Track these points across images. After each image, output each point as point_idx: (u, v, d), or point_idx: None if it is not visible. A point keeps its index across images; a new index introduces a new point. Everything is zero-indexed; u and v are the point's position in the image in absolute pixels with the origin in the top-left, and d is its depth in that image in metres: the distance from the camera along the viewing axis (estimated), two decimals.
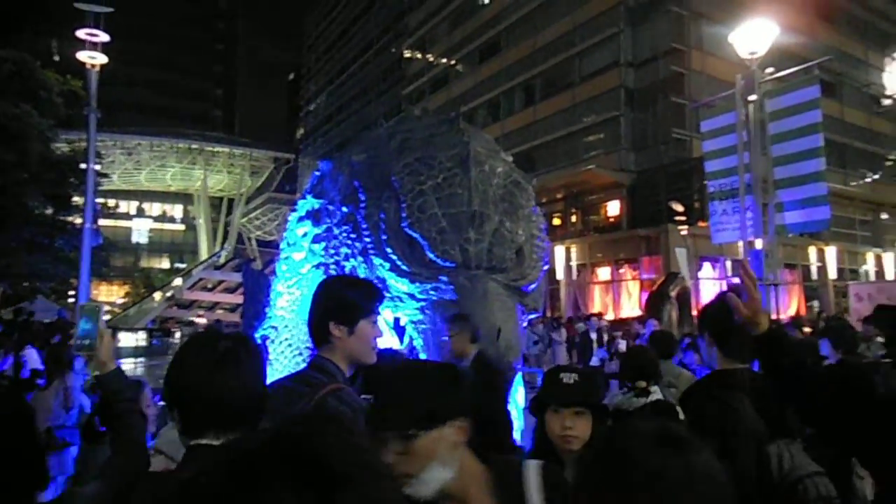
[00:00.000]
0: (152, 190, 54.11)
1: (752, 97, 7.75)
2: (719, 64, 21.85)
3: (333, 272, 4.29)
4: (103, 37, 12.90)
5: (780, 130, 7.71)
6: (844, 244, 25.90)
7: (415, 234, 3.75)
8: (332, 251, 4.29)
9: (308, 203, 4.81)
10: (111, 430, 1.86)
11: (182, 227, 60.85)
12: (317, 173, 4.98)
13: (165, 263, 58.49)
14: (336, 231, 4.27)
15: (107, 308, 36.99)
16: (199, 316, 23.82)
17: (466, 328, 3.34)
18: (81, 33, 12.82)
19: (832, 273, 24.48)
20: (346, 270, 4.15)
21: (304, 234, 4.74)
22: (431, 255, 3.70)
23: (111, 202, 43.04)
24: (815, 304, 23.76)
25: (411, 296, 3.81)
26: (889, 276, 27.25)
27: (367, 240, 3.92)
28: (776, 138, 7.78)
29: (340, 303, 1.79)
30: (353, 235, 4.07)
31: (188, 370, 1.31)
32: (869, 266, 27.83)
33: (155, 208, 60.78)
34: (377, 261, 3.84)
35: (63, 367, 4.91)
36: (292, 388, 1.75)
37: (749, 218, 7.89)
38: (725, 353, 1.95)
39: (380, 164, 4.29)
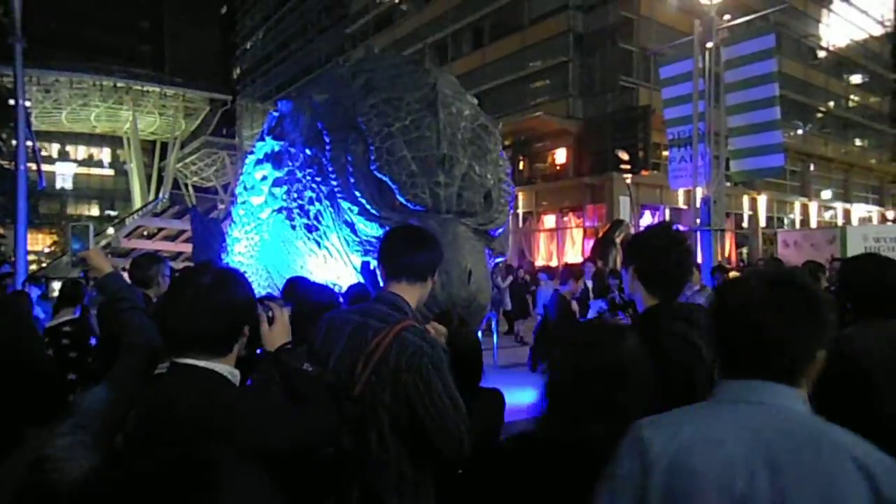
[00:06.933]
0: (75, 132, 50.50)
1: (710, 44, 7.82)
2: (669, 11, 21.96)
3: (297, 216, 4.14)
4: None
5: (736, 79, 7.79)
6: (774, 193, 27.24)
7: (384, 178, 3.64)
8: (295, 195, 4.14)
9: (267, 145, 4.59)
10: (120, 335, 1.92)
11: (111, 171, 57.41)
12: (275, 114, 4.73)
13: (95, 210, 55.46)
14: (299, 174, 4.11)
15: (32, 258, 34.91)
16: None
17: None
18: None
19: (762, 221, 25.79)
20: (311, 215, 4.02)
21: (264, 178, 4.54)
22: (401, 199, 3.61)
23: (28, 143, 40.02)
24: (745, 250, 25.07)
25: (380, 240, 3.74)
26: (813, 224, 29.02)
27: (334, 183, 3.78)
28: (731, 87, 7.88)
29: (440, 255, 2.07)
30: (318, 178, 3.92)
31: None
32: (795, 215, 29.50)
33: (80, 152, 56.94)
34: (345, 205, 3.72)
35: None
36: (363, 322, 1.83)
37: (700, 166, 8.12)
38: (650, 290, 1.88)
39: (344, 104, 4.10)
